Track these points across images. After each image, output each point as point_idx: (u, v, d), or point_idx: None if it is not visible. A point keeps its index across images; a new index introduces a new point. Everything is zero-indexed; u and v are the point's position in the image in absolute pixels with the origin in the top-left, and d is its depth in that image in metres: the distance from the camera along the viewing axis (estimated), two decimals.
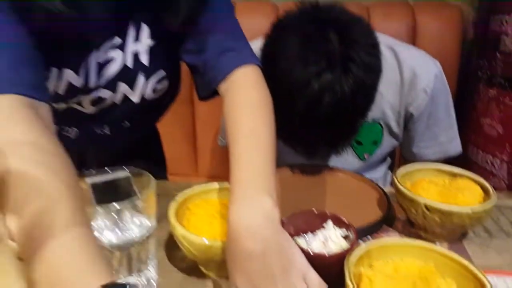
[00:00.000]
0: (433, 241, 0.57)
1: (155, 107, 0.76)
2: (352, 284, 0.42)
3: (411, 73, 0.89)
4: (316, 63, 0.65)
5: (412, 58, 0.90)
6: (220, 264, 0.50)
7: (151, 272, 0.51)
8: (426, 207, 0.56)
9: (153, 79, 0.69)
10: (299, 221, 0.55)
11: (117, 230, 0.48)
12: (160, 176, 0.80)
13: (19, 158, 0.41)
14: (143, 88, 0.69)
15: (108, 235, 0.47)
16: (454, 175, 0.65)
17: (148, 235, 0.49)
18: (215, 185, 0.62)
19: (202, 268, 0.55)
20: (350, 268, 0.44)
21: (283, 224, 0.51)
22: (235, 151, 0.54)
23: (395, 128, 0.95)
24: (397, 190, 0.61)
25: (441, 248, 0.48)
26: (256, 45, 0.81)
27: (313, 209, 0.57)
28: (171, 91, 0.76)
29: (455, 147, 0.98)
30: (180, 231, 0.51)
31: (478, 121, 1.30)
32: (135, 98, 0.69)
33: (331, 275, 0.46)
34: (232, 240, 0.46)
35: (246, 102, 0.60)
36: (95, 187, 0.49)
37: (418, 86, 0.89)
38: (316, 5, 0.72)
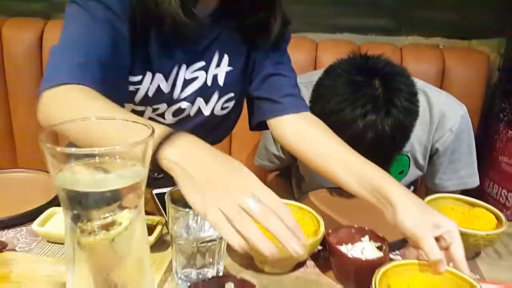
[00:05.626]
0: None
1: (220, 123, 0.92)
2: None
3: (440, 114, 1.02)
4: (363, 106, 0.79)
5: (442, 101, 1.04)
6: (273, 261, 0.63)
7: (221, 265, 0.65)
8: None
9: (224, 98, 0.85)
10: (341, 234, 0.68)
11: (193, 229, 0.61)
12: None
13: None
14: (215, 104, 0.85)
15: (186, 236, 0.60)
16: (472, 205, 0.77)
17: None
18: None
19: (258, 263, 0.67)
20: (377, 280, 0.54)
21: (329, 235, 0.65)
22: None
23: (421, 161, 1.07)
24: None
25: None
26: (300, 80, 0.97)
27: (354, 225, 0.70)
28: (234, 113, 0.92)
29: (474, 181, 1.10)
30: None
31: (497, 158, 1.42)
32: (207, 111, 0.86)
33: (365, 278, 0.57)
34: None
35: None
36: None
37: (446, 126, 1.02)
38: (365, 56, 0.87)
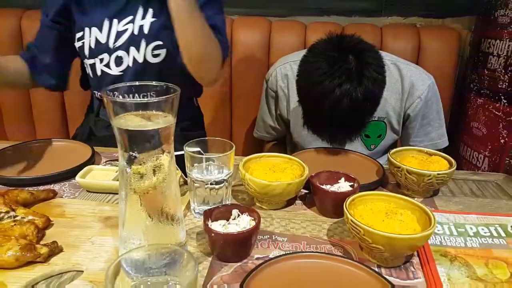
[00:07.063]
0: (412, 197, 0.87)
1: (162, 73, 1.10)
2: (348, 211, 0.68)
3: (410, 84, 1.18)
4: (339, 77, 0.95)
5: (412, 73, 1.20)
6: (271, 199, 0.80)
7: (228, 201, 0.82)
8: (407, 171, 0.86)
9: (152, 45, 1.08)
10: (322, 177, 0.85)
11: (206, 173, 0.78)
12: None
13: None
14: (145, 51, 1.08)
15: (201, 177, 0.77)
16: (430, 154, 0.94)
17: (229, 178, 0.79)
18: (264, 155, 0.91)
19: (257, 203, 0.84)
20: (347, 203, 0.71)
21: (312, 177, 0.83)
22: None
23: (396, 126, 1.24)
24: (390, 161, 0.91)
25: (397, 194, 0.74)
26: (289, 58, 1.13)
27: (332, 170, 0.87)
28: (170, 63, 1.09)
29: (444, 142, 1.27)
30: (248, 176, 0.80)
31: (469, 124, 1.58)
32: (140, 59, 1.08)
33: (340, 207, 0.72)
34: None
35: None
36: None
37: (415, 94, 1.19)
38: (341, 36, 1.03)
